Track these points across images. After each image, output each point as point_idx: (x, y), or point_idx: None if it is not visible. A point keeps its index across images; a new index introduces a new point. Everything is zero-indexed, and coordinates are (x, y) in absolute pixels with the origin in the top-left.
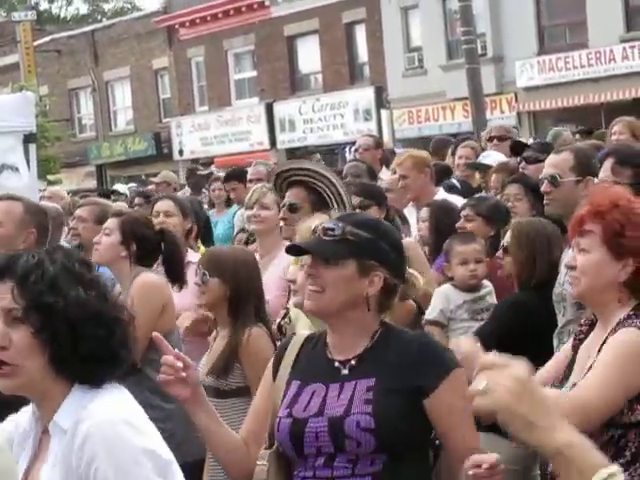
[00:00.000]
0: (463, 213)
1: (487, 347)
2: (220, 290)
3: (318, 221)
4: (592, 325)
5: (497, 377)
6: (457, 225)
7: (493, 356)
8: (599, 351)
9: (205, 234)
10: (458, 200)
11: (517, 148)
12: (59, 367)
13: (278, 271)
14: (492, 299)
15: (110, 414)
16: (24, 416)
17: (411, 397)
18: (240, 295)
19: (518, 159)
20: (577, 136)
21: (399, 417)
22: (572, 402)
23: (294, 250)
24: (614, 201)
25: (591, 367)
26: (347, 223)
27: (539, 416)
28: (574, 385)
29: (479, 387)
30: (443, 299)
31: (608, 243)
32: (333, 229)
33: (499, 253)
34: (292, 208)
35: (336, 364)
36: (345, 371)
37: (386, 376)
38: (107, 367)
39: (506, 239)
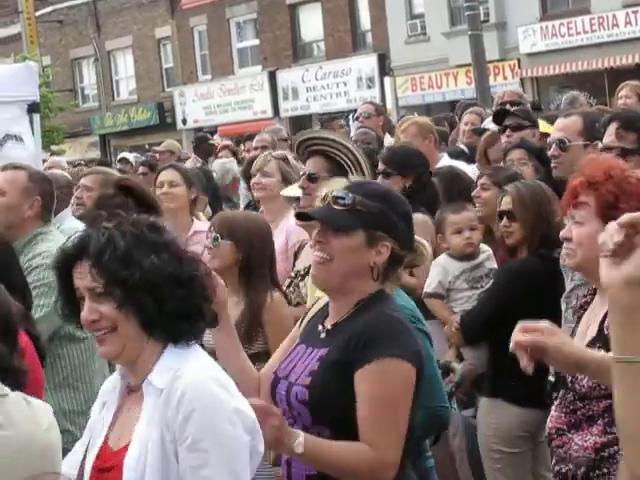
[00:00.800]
0: (480, 182)
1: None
2: (232, 254)
3: (335, 186)
4: (595, 294)
5: None
6: (473, 194)
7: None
8: (601, 325)
9: (215, 204)
10: (463, 166)
11: (499, 115)
12: (150, 330)
13: (281, 238)
14: (491, 263)
15: (203, 374)
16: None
17: (346, 370)
18: (254, 260)
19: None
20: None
21: (333, 391)
22: None
23: (304, 217)
24: (607, 172)
25: (592, 343)
26: (357, 193)
27: None
28: None
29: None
30: (440, 270)
31: (602, 215)
32: (343, 198)
33: (504, 222)
34: (311, 178)
35: (319, 328)
36: (322, 335)
37: (337, 347)
38: (194, 322)
39: (505, 205)
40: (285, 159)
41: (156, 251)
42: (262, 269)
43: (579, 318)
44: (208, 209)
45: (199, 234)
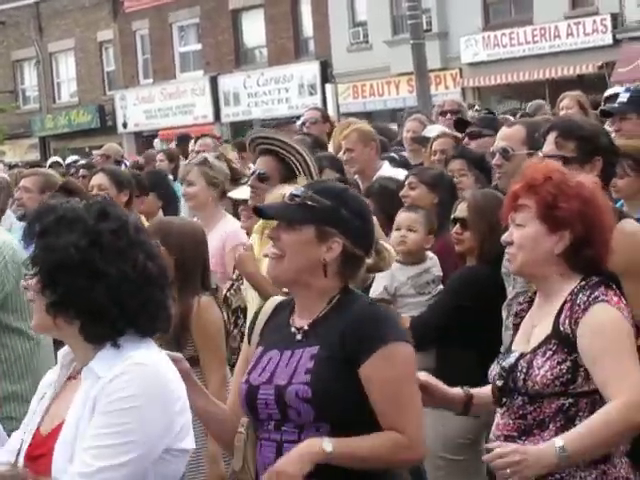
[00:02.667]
0: (407, 181)
1: (442, 323)
2: (166, 259)
3: (289, 189)
4: (530, 302)
5: None
6: (401, 193)
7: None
8: (556, 322)
9: (170, 207)
10: (403, 174)
11: (460, 125)
12: (57, 312)
13: (216, 242)
14: (438, 270)
15: (142, 360)
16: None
17: (347, 366)
18: (187, 266)
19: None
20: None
21: (336, 387)
22: (627, 401)
23: (259, 213)
24: (547, 174)
25: (546, 340)
26: (311, 189)
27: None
28: (521, 355)
29: None
30: (386, 276)
31: (542, 216)
32: (298, 195)
33: (456, 229)
34: (261, 177)
35: (292, 330)
36: (299, 337)
37: (329, 344)
38: (102, 322)
39: (459, 212)
40: (206, 162)
41: (81, 234)
42: (193, 274)
43: (515, 325)
44: (160, 214)
45: None
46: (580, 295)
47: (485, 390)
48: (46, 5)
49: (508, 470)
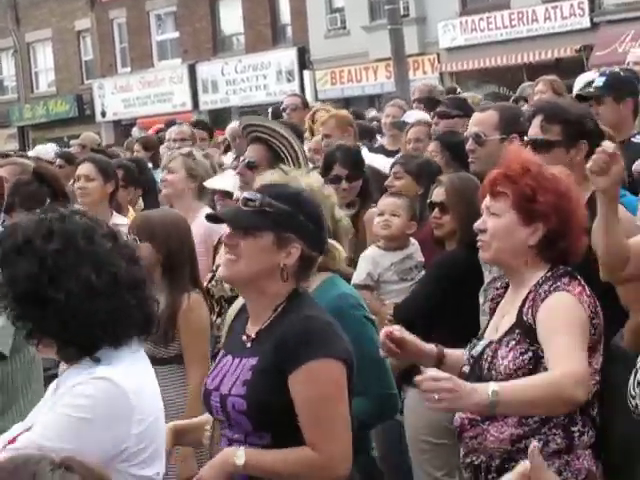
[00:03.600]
0: (393, 170)
1: (426, 308)
2: (151, 255)
3: (270, 178)
4: (507, 287)
5: None
6: (386, 183)
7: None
8: (520, 312)
9: (150, 195)
10: (382, 160)
11: (431, 105)
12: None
13: (198, 234)
14: (420, 256)
15: (106, 374)
16: None
17: (280, 377)
18: (173, 260)
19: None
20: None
21: (270, 400)
22: (563, 373)
23: (214, 218)
24: (526, 166)
25: (510, 330)
26: (267, 194)
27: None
28: (490, 343)
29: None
30: (369, 262)
31: (519, 207)
32: (253, 200)
33: (435, 213)
34: (250, 165)
35: (244, 337)
36: (248, 344)
37: (266, 355)
38: (68, 345)
39: (437, 197)
40: (191, 155)
41: (31, 260)
42: (182, 268)
43: (492, 310)
44: (140, 202)
45: (117, 228)
46: (544, 285)
47: (458, 352)
48: None
49: (436, 396)
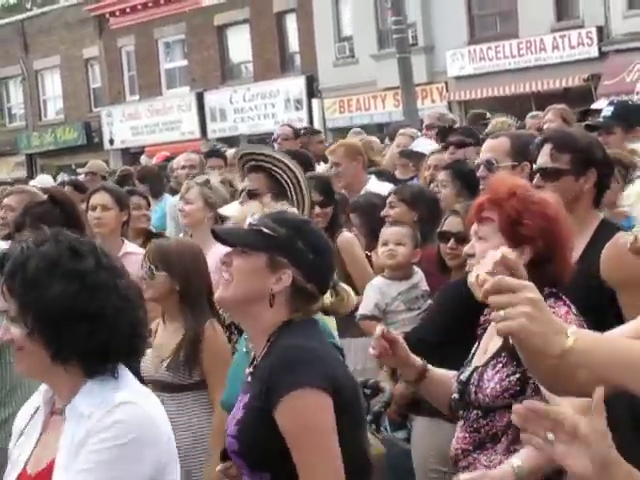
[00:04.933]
0: (388, 200)
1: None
2: (167, 284)
3: (251, 209)
4: None
5: (514, 300)
6: (382, 213)
7: (508, 279)
8: (507, 336)
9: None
10: (388, 188)
11: (443, 133)
12: (61, 361)
13: (213, 262)
14: (425, 285)
15: (129, 399)
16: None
17: (267, 414)
18: (191, 288)
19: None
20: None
21: (260, 438)
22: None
23: (216, 236)
24: (512, 190)
25: (497, 353)
26: (270, 217)
27: (551, 329)
28: (476, 369)
29: (499, 314)
30: (377, 292)
31: (505, 231)
32: (255, 222)
33: (451, 244)
34: (251, 194)
35: (247, 371)
36: (249, 379)
37: (255, 390)
38: (101, 360)
39: (452, 227)
40: (207, 184)
41: (67, 279)
42: (200, 297)
43: (479, 336)
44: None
45: (129, 255)
46: None
47: (442, 372)
48: (31, 22)
49: None
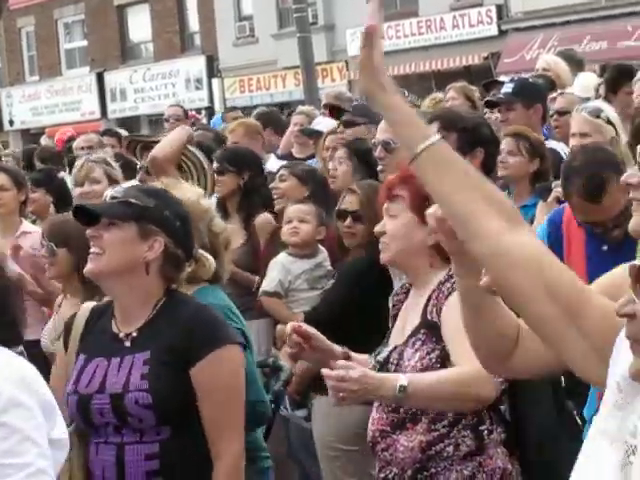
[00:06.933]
0: (278, 174)
1: (336, 316)
2: (69, 260)
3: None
4: (407, 292)
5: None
6: (271, 185)
7: None
8: (424, 312)
9: (63, 206)
10: None
11: (334, 112)
12: None
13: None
14: (329, 265)
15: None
16: None
17: (181, 371)
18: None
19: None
20: None
21: (174, 391)
22: (469, 375)
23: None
24: None
25: (415, 331)
26: (133, 189)
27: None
28: (395, 348)
29: None
30: (281, 269)
31: (415, 208)
32: (118, 193)
33: (348, 222)
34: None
35: (120, 335)
36: (127, 343)
37: (161, 349)
38: None
39: (349, 206)
40: (107, 162)
41: None
42: None
43: (394, 316)
44: (52, 210)
45: (26, 235)
46: (446, 283)
47: (363, 357)
48: None
49: (342, 394)
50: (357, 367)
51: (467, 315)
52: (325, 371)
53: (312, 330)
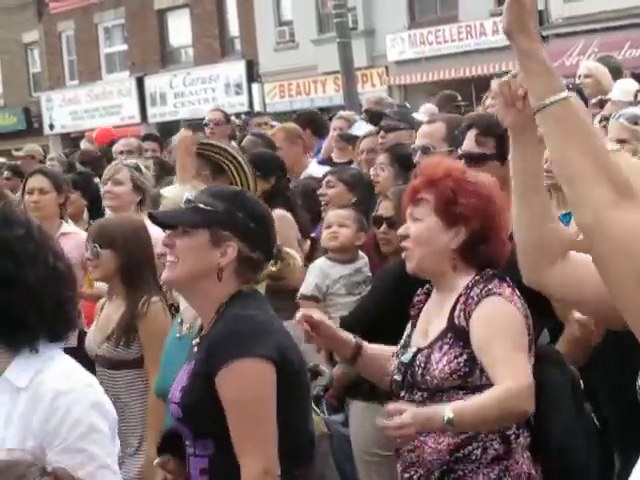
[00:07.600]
0: (325, 180)
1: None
2: (112, 261)
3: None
4: (428, 294)
5: None
6: (319, 191)
7: None
8: (451, 316)
9: (95, 209)
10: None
11: (373, 117)
12: None
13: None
14: (368, 272)
15: (69, 380)
16: None
17: (209, 381)
18: (132, 264)
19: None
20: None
21: (202, 405)
22: (512, 394)
23: (153, 219)
24: (447, 171)
25: (442, 335)
26: (205, 193)
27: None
28: (419, 350)
29: None
30: (319, 273)
31: (440, 211)
32: (192, 199)
33: (383, 229)
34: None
35: (194, 341)
36: (195, 349)
37: (200, 359)
38: (20, 327)
39: (385, 212)
40: (137, 167)
41: None
42: (142, 272)
43: (413, 317)
44: (86, 214)
45: (66, 236)
46: (474, 288)
47: (377, 347)
48: None
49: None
50: (405, 407)
51: (518, 206)
52: (382, 422)
53: (320, 318)
